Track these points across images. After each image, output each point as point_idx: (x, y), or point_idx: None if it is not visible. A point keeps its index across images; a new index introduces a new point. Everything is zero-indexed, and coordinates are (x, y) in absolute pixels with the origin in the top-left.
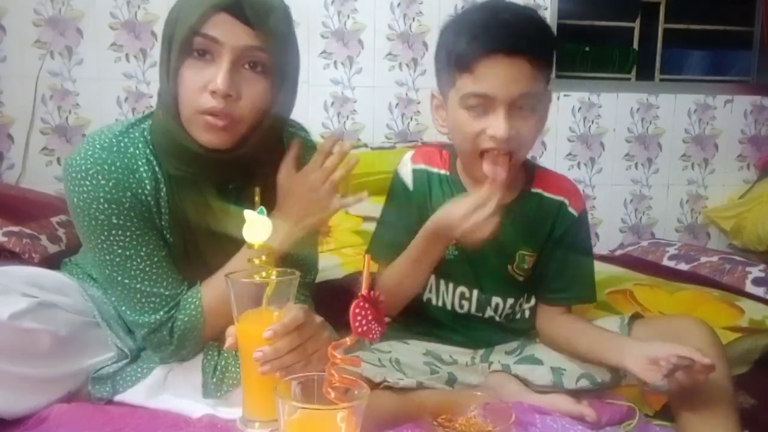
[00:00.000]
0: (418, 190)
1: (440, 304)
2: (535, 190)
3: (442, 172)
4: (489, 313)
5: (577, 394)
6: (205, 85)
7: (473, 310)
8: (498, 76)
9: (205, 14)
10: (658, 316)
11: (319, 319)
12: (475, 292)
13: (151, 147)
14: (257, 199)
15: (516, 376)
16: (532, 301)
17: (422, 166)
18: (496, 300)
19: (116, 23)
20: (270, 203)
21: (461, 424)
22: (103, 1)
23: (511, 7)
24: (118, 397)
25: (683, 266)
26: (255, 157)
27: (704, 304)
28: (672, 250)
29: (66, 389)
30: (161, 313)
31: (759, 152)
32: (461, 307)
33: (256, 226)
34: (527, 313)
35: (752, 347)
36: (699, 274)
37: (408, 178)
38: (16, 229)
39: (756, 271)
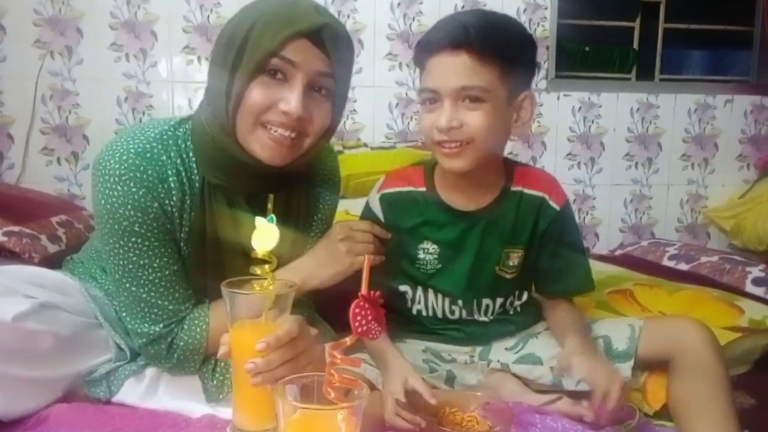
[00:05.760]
0: (388, 217)
1: (430, 314)
2: (515, 188)
3: (418, 189)
4: (479, 315)
5: (577, 394)
6: (273, 103)
7: (464, 315)
8: (441, 70)
9: (286, 39)
10: (657, 317)
11: (314, 331)
12: (463, 299)
13: (182, 156)
14: (270, 206)
15: (515, 376)
16: (524, 297)
17: (391, 190)
18: (486, 301)
19: (116, 23)
20: (285, 211)
21: (461, 424)
22: (103, 1)
23: (479, 11)
24: (116, 398)
25: (683, 266)
26: (296, 169)
27: (704, 304)
28: (672, 250)
29: (66, 389)
30: (161, 325)
31: (759, 152)
32: (452, 313)
33: (264, 234)
34: (519, 309)
35: (752, 347)
36: (699, 274)
37: (378, 210)
38: (16, 229)
39: (756, 271)
